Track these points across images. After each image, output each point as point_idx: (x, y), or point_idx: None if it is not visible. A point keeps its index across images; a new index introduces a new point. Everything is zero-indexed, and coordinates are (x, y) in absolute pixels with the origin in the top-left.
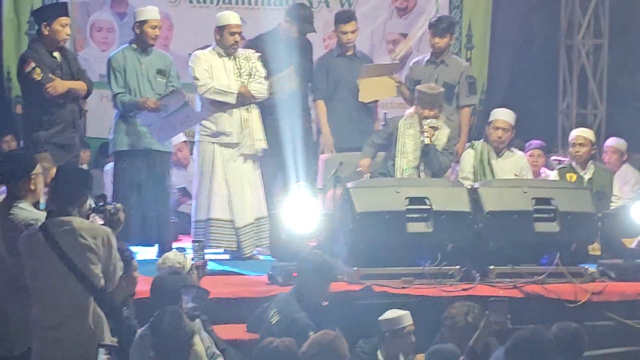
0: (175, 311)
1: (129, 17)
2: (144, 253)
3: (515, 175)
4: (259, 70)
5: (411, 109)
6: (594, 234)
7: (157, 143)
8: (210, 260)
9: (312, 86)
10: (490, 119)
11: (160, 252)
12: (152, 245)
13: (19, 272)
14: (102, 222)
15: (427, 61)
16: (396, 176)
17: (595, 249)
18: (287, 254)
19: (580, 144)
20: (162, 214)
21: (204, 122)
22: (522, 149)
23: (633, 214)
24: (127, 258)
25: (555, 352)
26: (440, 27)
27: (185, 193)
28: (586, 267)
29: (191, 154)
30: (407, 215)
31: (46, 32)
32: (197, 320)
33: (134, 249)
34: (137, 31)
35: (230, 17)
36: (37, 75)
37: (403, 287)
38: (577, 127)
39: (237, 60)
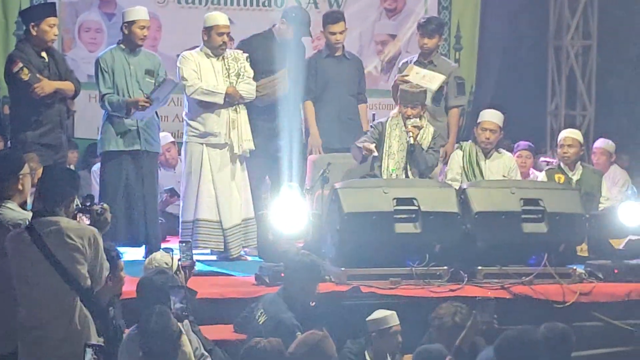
0: (163, 311)
1: (118, 17)
2: (131, 253)
3: (504, 176)
4: (247, 71)
5: (395, 110)
6: (582, 234)
7: (145, 143)
8: (198, 260)
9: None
10: (479, 120)
11: (148, 253)
12: (139, 245)
13: (5, 271)
14: (88, 222)
15: (415, 62)
16: (384, 177)
17: (583, 249)
18: (275, 255)
19: (568, 145)
20: (149, 215)
21: (191, 123)
22: (510, 150)
23: (621, 215)
24: (114, 258)
25: (543, 351)
26: (429, 27)
27: (173, 193)
28: (574, 268)
29: (179, 154)
30: (395, 216)
31: (34, 33)
32: (186, 321)
33: (121, 249)
34: (126, 31)
35: (218, 18)
36: (25, 75)
37: (391, 288)
38: (565, 128)
39: (226, 60)
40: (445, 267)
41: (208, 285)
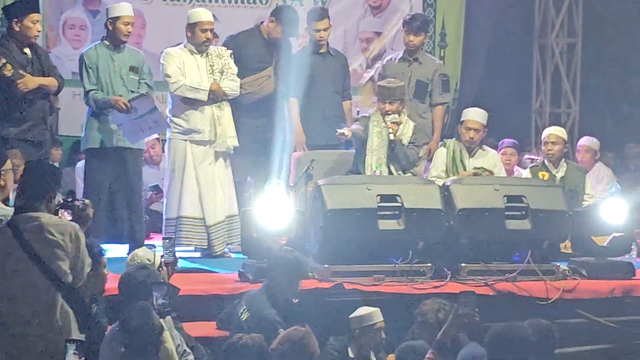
0: (145, 307)
1: (102, 14)
2: (115, 250)
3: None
4: (231, 68)
5: (375, 107)
6: (566, 231)
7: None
8: (181, 258)
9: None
10: (462, 118)
11: (132, 250)
12: (123, 242)
13: None
14: (70, 218)
15: (400, 59)
16: (367, 174)
17: (567, 246)
18: (259, 252)
19: (552, 142)
20: (133, 212)
21: (175, 119)
22: (495, 147)
23: (603, 213)
24: (97, 255)
25: (533, 345)
26: (414, 24)
27: (158, 191)
28: (558, 264)
29: (163, 151)
30: (378, 213)
31: (17, 28)
32: (168, 318)
33: (104, 246)
34: (110, 27)
35: (202, 14)
36: (8, 71)
37: (374, 285)
38: (550, 126)
39: (209, 57)
40: (429, 264)
41: (191, 282)
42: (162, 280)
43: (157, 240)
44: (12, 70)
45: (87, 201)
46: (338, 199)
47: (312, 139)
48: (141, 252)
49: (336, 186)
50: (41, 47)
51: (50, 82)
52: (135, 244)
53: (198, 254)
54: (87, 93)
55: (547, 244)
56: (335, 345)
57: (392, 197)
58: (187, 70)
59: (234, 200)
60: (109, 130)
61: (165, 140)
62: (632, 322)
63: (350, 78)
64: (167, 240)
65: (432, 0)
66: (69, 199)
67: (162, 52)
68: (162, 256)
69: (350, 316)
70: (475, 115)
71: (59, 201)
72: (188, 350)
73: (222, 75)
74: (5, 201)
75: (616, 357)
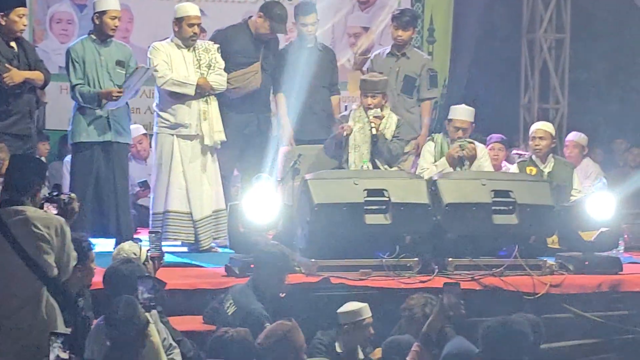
0: (130, 301)
1: (89, 9)
2: (102, 245)
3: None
4: (218, 62)
5: (356, 103)
6: (553, 226)
7: (116, 134)
8: (168, 252)
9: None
10: (449, 116)
11: (118, 244)
12: (110, 237)
13: None
14: (56, 211)
15: (388, 54)
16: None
17: (554, 241)
18: (245, 246)
19: (540, 137)
20: (120, 206)
21: (162, 114)
22: (483, 142)
23: (590, 208)
24: (85, 249)
25: (531, 341)
26: (403, 19)
27: (147, 187)
28: (545, 259)
29: (151, 146)
30: (365, 207)
31: (3, 22)
32: (154, 312)
33: (92, 240)
34: (97, 21)
35: (189, 9)
36: None
37: (361, 279)
38: (538, 121)
39: (196, 51)
40: (416, 259)
41: (178, 277)
42: (147, 274)
43: (144, 235)
44: None
45: (72, 195)
46: (325, 194)
47: (299, 134)
48: (127, 246)
49: (323, 180)
50: (27, 41)
51: (36, 75)
52: (122, 238)
53: (185, 249)
54: (73, 87)
55: (534, 239)
56: (322, 340)
57: (379, 192)
58: (175, 64)
59: (221, 194)
60: (96, 124)
61: (153, 135)
62: (619, 317)
63: (338, 73)
64: (154, 235)
65: None
66: (55, 193)
67: (149, 47)
68: (148, 250)
69: (339, 311)
70: (462, 114)
71: (45, 195)
72: (174, 344)
73: (209, 69)
74: None
75: (603, 351)
